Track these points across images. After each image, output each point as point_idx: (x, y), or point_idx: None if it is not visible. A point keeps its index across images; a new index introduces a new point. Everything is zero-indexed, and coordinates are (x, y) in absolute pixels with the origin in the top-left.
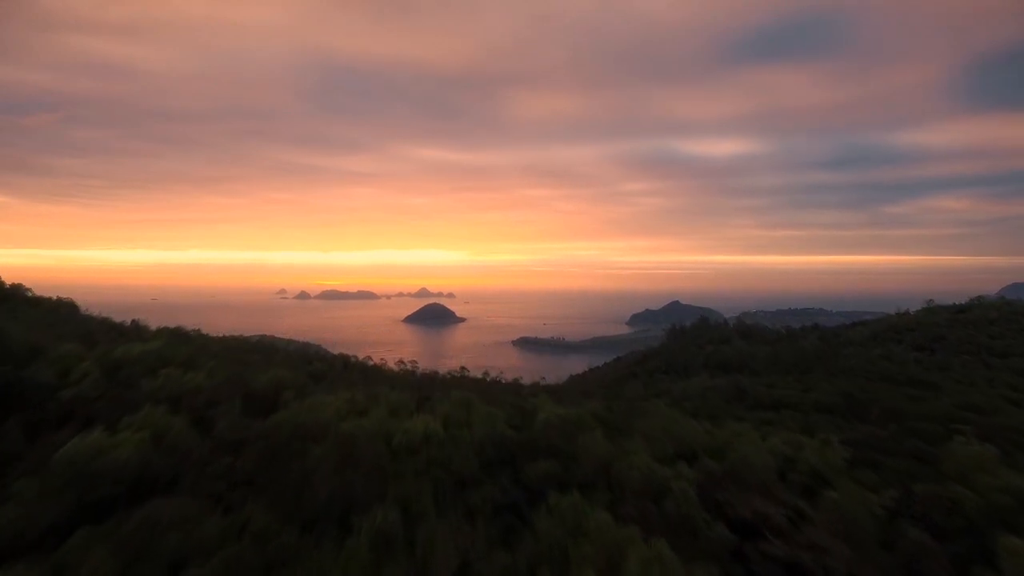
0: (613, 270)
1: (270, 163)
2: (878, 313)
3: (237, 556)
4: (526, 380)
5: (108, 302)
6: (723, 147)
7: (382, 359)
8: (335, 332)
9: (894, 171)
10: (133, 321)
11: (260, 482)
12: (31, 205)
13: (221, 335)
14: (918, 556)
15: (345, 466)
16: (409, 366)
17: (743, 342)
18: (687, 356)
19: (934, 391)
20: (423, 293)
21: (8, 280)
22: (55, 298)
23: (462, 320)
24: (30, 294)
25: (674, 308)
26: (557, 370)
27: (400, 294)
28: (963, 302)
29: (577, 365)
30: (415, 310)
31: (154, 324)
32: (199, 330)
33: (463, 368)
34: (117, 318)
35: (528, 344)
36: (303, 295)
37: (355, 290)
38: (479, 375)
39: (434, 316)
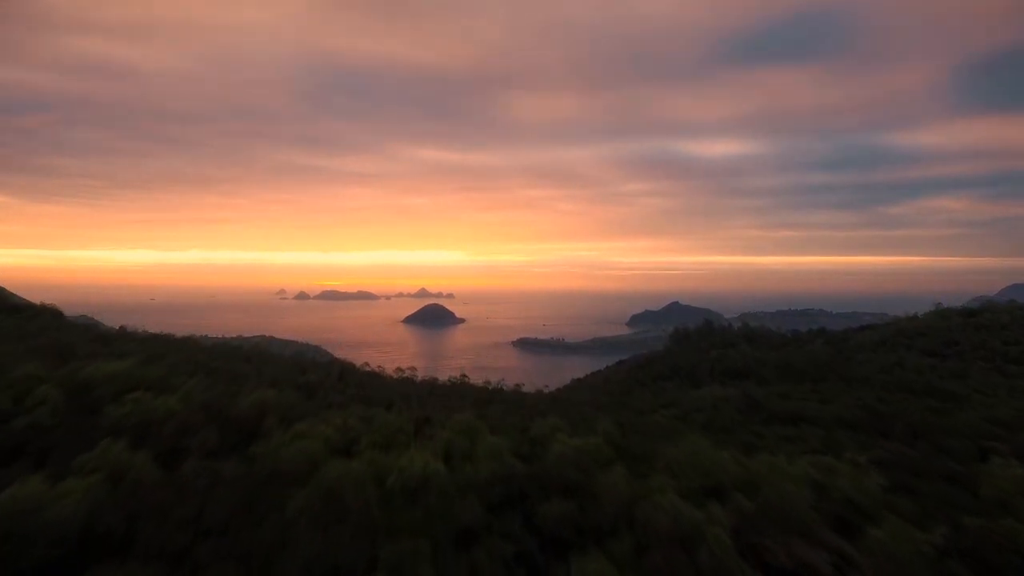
0: (613, 271)
1: (270, 163)
2: (879, 314)
3: None
4: (527, 384)
5: (107, 302)
6: (723, 148)
7: (380, 366)
8: (334, 333)
9: (893, 172)
10: (121, 327)
11: (230, 536)
12: (31, 205)
13: (213, 341)
14: None
15: (330, 519)
16: (408, 373)
17: (749, 346)
18: (692, 361)
19: (956, 402)
20: (422, 294)
21: (6, 281)
22: (38, 304)
23: (461, 321)
24: (15, 299)
25: (674, 309)
26: (557, 372)
27: (399, 295)
28: (964, 303)
29: (577, 367)
30: (414, 311)
31: (152, 325)
32: (191, 336)
33: (463, 375)
34: (116, 319)
35: (528, 345)
36: (302, 295)
37: (354, 290)
38: (479, 381)
39: (433, 317)
